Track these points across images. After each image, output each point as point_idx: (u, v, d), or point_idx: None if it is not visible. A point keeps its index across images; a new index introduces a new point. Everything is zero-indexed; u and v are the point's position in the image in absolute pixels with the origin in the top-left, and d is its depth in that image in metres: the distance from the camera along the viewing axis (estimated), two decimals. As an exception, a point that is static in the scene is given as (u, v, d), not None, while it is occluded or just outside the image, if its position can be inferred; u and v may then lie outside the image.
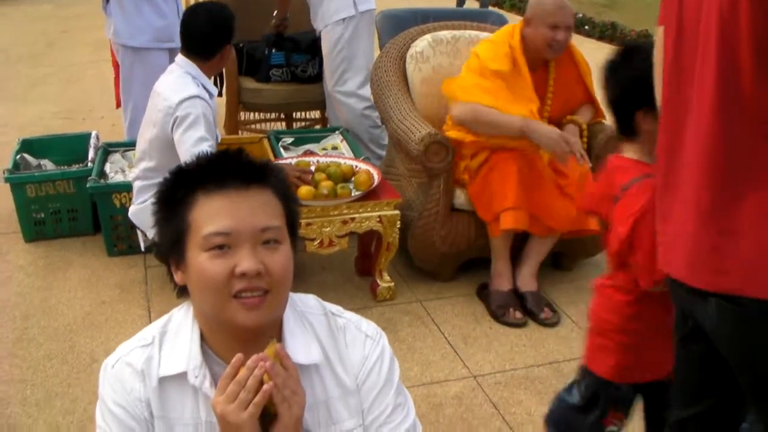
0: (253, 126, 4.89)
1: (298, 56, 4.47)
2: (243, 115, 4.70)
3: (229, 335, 1.26)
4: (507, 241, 3.15)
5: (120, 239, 3.46)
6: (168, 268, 1.31)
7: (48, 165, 3.79)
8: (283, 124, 4.89)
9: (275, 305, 1.25)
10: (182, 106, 2.79)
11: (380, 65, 3.62)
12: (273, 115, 4.91)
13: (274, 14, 4.43)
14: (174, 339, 1.30)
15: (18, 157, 3.69)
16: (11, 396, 2.55)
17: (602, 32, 9.03)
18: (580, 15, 9.74)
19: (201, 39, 2.91)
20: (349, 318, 1.40)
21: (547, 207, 3.02)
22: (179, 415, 1.28)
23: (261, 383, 1.18)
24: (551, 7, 2.99)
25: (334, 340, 1.36)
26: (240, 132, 4.59)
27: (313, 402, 1.30)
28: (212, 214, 1.22)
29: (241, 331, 1.24)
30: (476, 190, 3.11)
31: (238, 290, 1.20)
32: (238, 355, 1.20)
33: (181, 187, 1.26)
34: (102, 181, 3.46)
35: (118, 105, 4.39)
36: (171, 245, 1.27)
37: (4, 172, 3.50)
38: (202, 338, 1.29)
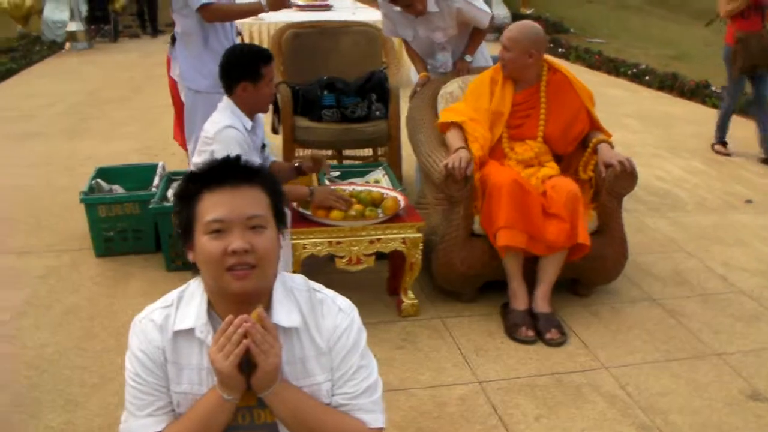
0: (307, 162, 5.29)
1: (348, 98, 4.86)
2: (298, 152, 5.11)
3: (227, 301, 1.59)
4: (517, 262, 3.42)
5: (177, 255, 3.87)
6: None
7: (119, 190, 4.26)
8: (335, 161, 5.28)
9: (261, 277, 1.57)
10: (217, 139, 3.08)
11: (415, 105, 4.00)
12: (325, 153, 5.30)
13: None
14: (188, 303, 1.64)
15: (93, 182, 4.18)
16: (73, 379, 2.96)
17: (662, 82, 9.20)
18: (643, 66, 9.92)
19: (220, 77, 3.23)
20: (327, 294, 1.72)
21: (539, 226, 3.31)
22: (187, 362, 1.62)
23: (244, 338, 1.52)
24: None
25: (312, 310, 1.68)
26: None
27: (292, 358, 1.63)
28: (212, 205, 1.55)
29: (235, 297, 1.56)
30: (483, 215, 3.42)
31: (230, 265, 1.53)
32: (230, 317, 1.53)
33: (192, 186, 1.61)
34: (163, 203, 3.90)
35: (175, 136, 4.89)
36: (184, 231, 1.62)
37: (80, 194, 3.98)
38: (210, 304, 1.63)
